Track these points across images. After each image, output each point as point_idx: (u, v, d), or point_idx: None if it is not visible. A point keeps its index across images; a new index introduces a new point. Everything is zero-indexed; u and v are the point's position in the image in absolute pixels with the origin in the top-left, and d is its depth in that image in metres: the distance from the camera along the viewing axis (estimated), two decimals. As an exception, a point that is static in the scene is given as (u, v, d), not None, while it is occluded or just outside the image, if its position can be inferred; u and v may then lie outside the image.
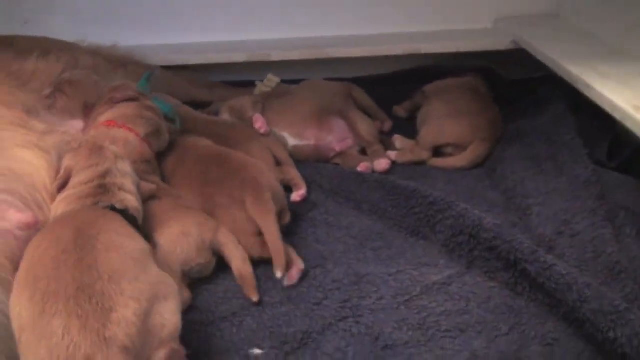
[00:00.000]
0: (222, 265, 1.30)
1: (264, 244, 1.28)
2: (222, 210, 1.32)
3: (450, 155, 1.75)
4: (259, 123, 1.70)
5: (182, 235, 1.22)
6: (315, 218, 1.49)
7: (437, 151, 1.77)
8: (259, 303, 1.22)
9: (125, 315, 0.88)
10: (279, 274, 1.24)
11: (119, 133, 1.37)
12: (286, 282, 1.26)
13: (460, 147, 1.74)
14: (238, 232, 1.29)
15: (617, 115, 1.46)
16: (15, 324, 0.91)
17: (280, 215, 1.35)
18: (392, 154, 1.75)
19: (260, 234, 1.30)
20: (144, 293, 0.91)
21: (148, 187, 1.28)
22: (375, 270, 1.31)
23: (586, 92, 1.60)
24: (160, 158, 1.49)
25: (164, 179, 1.46)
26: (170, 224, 1.23)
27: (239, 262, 1.25)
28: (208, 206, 1.34)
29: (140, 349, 0.88)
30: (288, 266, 1.27)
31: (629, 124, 1.42)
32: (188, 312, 1.19)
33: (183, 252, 1.21)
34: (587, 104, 1.63)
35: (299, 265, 1.29)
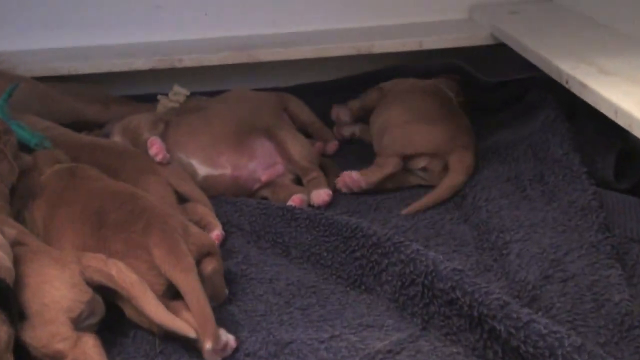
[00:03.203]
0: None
1: (174, 310, 1.21)
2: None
3: (423, 169, 1.71)
4: (155, 148, 1.64)
5: (43, 284, 1.17)
6: (231, 270, 1.43)
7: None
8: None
9: None
10: (208, 345, 1.16)
11: None
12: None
13: (434, 158, 1.69)
14: None
15: (623, 122, 1.41)
16: None
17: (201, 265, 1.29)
18: (360, 180, 1.68)
19: (167, 293, 1.24)
20: None
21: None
22: (303, 336, 1.24)
23: (581, 94, 1.57)
24: (29, 196, 1.43)
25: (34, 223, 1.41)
26: (26, 281, 1.18)
27: (119, 281, 1.19)
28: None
29: None
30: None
31: (638, 132, 1.35)
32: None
33: (56, 302, 1.16)
34: (586, 110, 1.59)
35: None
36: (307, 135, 1.90)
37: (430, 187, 1.67)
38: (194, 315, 1.19)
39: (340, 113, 1.99)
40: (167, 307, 1.21)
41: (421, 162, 1.71)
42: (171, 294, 1.24)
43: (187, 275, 1.22)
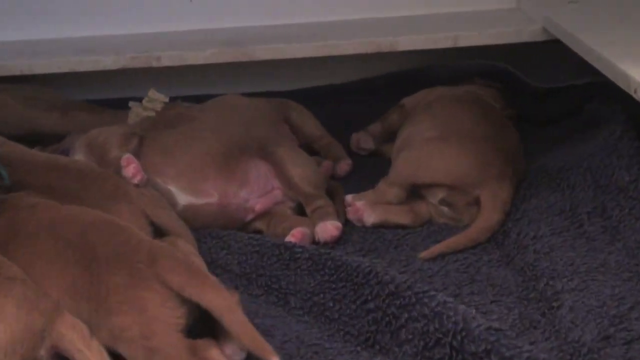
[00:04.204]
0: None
1: (202, 349, 1.24)
2: (118, 295, 1.28)
3: (444, 202, 1.71)
4: (130, 168, 1.64)
5: None
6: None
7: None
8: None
9: None
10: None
11: None
12: None
13: (456, 191, 1.70)
14: (151, 327, 1.25)
15: None
16: None
17: None
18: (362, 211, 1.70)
19: (186, 329, 1.26)
20: None
21: None
22: (302, 410, 1.25)
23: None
24: None
25: None
26: None
27: None
28: (94, 294, 1.30)
29: None
30: None
31: None
32: None
33: None
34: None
35: None
36: (313, 152, 1.91)
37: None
38: (238, 335, 1.25)
39: (362, 141, 2.00)
40: (194, 349, 1.25)
41: (439, 194, 1.71)
42: (187, 331, 1.27)
43: (219, 294, 1.27)
